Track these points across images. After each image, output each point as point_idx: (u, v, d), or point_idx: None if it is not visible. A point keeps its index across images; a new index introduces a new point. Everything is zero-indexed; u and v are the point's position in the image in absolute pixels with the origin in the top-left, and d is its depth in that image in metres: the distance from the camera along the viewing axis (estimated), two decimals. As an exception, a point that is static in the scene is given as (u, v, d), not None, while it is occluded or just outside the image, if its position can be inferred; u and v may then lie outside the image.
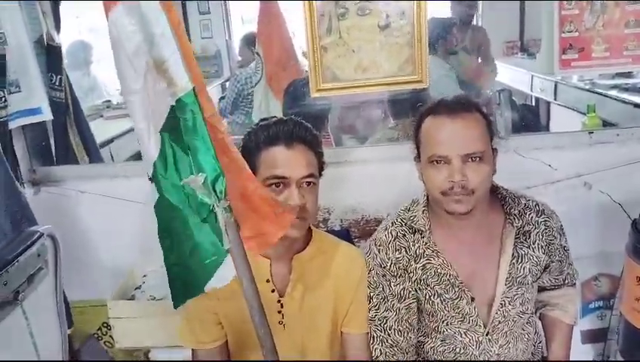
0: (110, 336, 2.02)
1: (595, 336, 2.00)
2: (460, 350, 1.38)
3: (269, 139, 1.27)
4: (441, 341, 1.40)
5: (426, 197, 1.38)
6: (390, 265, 1.37)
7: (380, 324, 1.39)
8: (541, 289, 1.47)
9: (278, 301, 1.36)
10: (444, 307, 1.35)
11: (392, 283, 1.37)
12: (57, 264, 1.36)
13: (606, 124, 2.24)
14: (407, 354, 1.40)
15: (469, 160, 1.23)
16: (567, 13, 1.93)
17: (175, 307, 1.21)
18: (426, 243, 1.35)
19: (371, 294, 1.40)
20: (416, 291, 1.37)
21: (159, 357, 1.87)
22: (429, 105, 1.32)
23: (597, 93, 2.65)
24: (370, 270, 1.40)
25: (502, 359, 1.38)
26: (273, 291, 1.35)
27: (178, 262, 1.17)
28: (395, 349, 1.38)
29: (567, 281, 1.48)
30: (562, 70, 1.97)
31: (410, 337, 1.40)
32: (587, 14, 1.92)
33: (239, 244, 1.09)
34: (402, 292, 1.38)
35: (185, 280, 1.18)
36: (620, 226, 1.73)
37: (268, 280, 1.35)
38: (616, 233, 1.70)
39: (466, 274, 1.34)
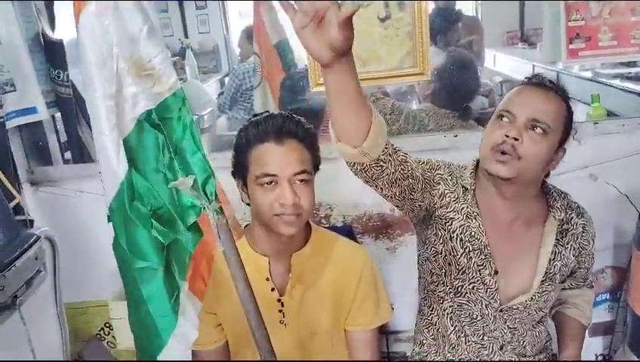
0: (113, 337, 2.00)
1: (602, 329, 1.99)
2: (477, 317, 1.36)
3: (258, 135, 1.24)
4: (459, 305, 1.37)
5: (475, 164, 1.34)
6: (437, 172, 1.32)
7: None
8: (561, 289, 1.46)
9: (279, 300, 1.34)
10: (472, 269, 1.33)
11: (426, 169, 1.30)
12: (56, 266, 1.35)
13: (610, 114, 2.20)
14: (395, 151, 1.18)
15: (532, 127, 1.19)
16: (573, 2, 1.89)
17: None
18: (469, 202, 1.31)
19: None
20: (458, 240, 1.32)
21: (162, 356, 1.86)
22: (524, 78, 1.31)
23: (600, 82, 2.61)
24: None
25: (513, 340, 1.38)
26: (273, 290, 1.33)
27: (136, 317, 1.09)
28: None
29: (586, 284, 1.49)
30: (570, 60, 1.94)
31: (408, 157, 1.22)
32: (593, 2, 1.88)
33: (232, 247, 1.06)
34: (426, 175, 1.29)
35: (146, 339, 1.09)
36: (626, 218, 1.71)
37: (267, 279, 1.33)
38: (623, 225, 1.68)
39: (498, 252, 1.31)
